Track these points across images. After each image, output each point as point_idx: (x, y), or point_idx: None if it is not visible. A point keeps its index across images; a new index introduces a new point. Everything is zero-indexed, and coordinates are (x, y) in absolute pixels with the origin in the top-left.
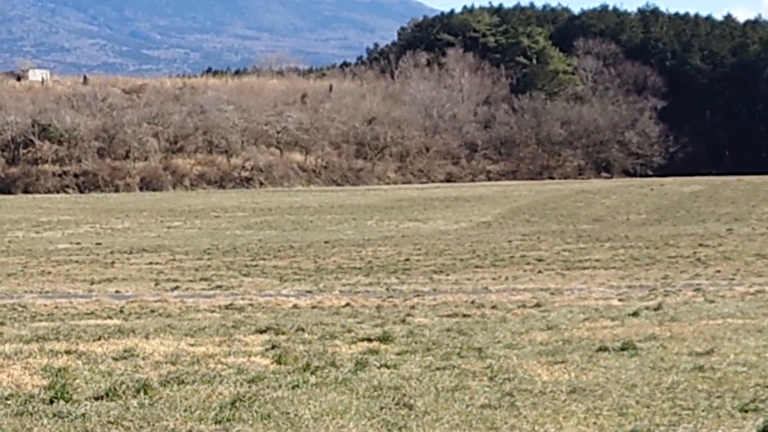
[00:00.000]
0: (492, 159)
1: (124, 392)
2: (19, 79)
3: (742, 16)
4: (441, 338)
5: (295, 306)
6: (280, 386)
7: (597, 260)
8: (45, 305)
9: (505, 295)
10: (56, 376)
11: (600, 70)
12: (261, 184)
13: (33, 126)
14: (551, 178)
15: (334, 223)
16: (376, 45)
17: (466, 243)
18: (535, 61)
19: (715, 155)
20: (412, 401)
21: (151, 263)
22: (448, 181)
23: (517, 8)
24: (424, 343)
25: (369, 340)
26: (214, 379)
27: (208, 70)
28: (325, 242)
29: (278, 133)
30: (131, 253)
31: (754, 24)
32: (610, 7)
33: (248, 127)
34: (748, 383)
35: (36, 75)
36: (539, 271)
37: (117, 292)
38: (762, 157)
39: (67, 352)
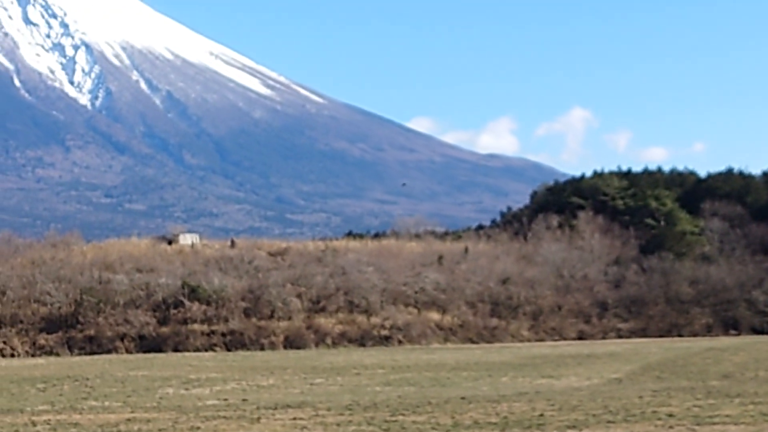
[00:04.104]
0: (622, 317)
1: None
2: (170, 243)
3: None
4: None
5: None
6: None
7: (727, 416)
8: None
9: None
10: None
11: (726, 231)
12: (399, 342)
13: (183, 287)
14: (680, 335)
15: (470, 380)
16: (510, 208)
17: (598, 399)
18: (663, 223)
19: None
20: None
21: (294, 419)
22: (580, 338)
23: (645, 172)
24: None
25: None
26: None
27: (349, 233)
28: (462, 398)
29: (416, 293)
30: (276, 408)
31: None
32: (735, 170)
33: (387, 288)
34: None
35: (186, 239)
36: (670, 427)
37: None
38: None
39: None
